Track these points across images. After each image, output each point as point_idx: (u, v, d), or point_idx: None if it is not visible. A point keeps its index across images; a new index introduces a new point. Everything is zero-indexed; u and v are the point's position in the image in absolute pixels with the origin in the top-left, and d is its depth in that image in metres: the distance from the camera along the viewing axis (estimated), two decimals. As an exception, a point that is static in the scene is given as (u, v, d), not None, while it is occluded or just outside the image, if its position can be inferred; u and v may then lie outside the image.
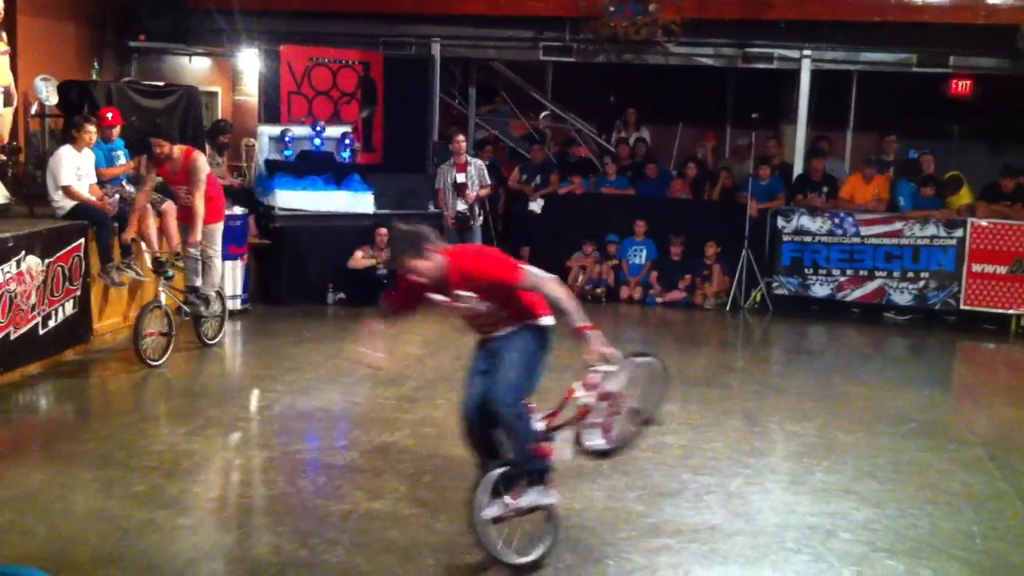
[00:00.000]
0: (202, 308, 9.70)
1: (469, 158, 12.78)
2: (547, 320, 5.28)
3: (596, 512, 5.98)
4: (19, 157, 10.78)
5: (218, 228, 9.82)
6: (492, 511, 5.05)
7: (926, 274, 12.41)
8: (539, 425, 5.29)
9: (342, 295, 12.15)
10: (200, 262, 9.65)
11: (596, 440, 5.56)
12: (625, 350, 5.60)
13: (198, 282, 9.66)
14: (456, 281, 5.13)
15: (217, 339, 9.94)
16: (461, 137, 12.88)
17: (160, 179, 9.59)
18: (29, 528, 5.47)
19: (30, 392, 7.95)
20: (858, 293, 12.64)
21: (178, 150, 9.33)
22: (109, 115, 10.25)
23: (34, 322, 8.30)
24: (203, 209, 9.33)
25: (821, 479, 6.70)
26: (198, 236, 9.34)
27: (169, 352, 9.14)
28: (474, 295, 5.14)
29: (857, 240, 12.61)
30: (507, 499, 5.11)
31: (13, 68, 11.01)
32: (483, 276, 5.10)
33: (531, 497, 5.19)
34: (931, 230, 12.36)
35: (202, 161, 9.42)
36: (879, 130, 14.36)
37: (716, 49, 13.94)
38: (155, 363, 8.94)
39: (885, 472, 6.91)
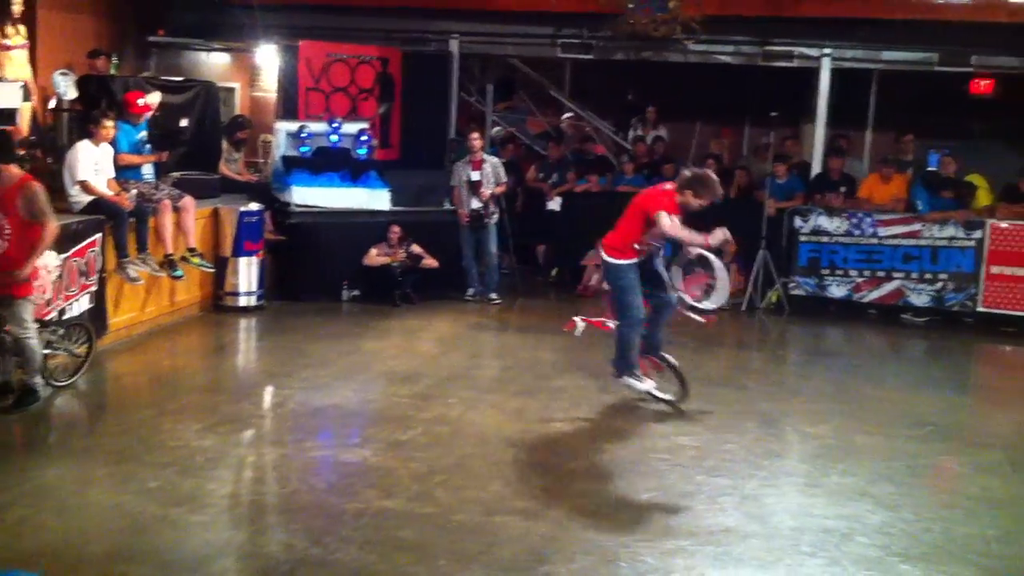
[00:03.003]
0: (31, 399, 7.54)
1: (485, 156, 12.74)
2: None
3: (609, 512, 5.96)
4: (37, 151, 10.81)
5: (29, 304, 7.46)
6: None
7: (944, 275, 12.31)
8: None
9: (357, 292, 12.14)
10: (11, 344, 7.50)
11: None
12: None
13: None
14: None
15: (72, 380, 8.11)
16: (476, 135, 12.84)
17: None
18: (43, 523, 5.48)
19: (45, 386, 7.95)
20: (876, 294, 12.55)
21: (14, 172, 7.42)
22: (140, 101, 10.29)
23: (50, 317, 8.31)
24: (52, 233, 7.44)
25: (837, 482, 6.66)
26: (28, 269, 7.29)
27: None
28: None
29: (875, 241, 12.52)
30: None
31: (32, 62, 11.09)
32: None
33: None
34: (950, 231, 12.27)
35: (43, 194, 7.41)
36: (899, 129, 14.27)
37: (736, 47, 13.86)
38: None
39: (902, 475, 6.86)
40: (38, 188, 7.42)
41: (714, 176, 7.95)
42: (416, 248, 12.04)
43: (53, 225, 7.43)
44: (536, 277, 14.04)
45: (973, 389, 10.36)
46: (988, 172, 13.14)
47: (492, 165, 12.63)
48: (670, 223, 7.59)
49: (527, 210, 14.55)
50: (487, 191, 12.42)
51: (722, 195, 8.11)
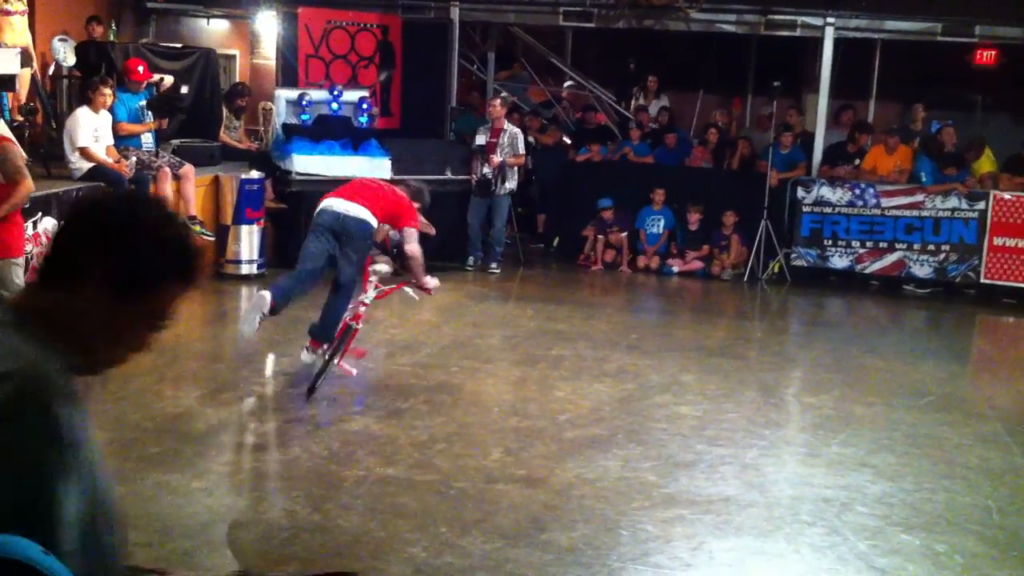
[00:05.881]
0: None
1: (507, 124, 12.58)
2: None
3: (610, 482, 5.96)
4: (36, 118, 10.77)
5: (16, 266, 6.87)
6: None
7: (947, 247, 12.29)
8: None
9: (358, 261, 12.09)
10: None
11: None
12: None
13: None
14: None
15: None
16: (498, 101, 12.68)
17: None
18: (44, 489, 5.48)
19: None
20: (877, 265, 12.53)
21: None
22: (140, 68, 10.22)
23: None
24: (24, 192, 6.79)
25: (837, 452, 6.66)
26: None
27: None
28: None
29: (877, 211, 12.49)
30: None
31: (31, 28, 11.01)
32: None
33: None
34: (952, 202, 12.22)
35: (15, 154, 6.91)
36: (902, 100, 14.20)
37: (738, 16, 13.75)
38: None
39: (901, 446, 6.86)
40: (10, 148, 6.93)
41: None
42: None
43: (27, 184, 6.86)
44: (537, 246, 14.01)
45: (973, 360, 10.37)
46: (991, 143, 13.08)
47: (509, 135, 12.44)
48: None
49: (527, 179, 14.49)
50: (496, 159, 12.29)
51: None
